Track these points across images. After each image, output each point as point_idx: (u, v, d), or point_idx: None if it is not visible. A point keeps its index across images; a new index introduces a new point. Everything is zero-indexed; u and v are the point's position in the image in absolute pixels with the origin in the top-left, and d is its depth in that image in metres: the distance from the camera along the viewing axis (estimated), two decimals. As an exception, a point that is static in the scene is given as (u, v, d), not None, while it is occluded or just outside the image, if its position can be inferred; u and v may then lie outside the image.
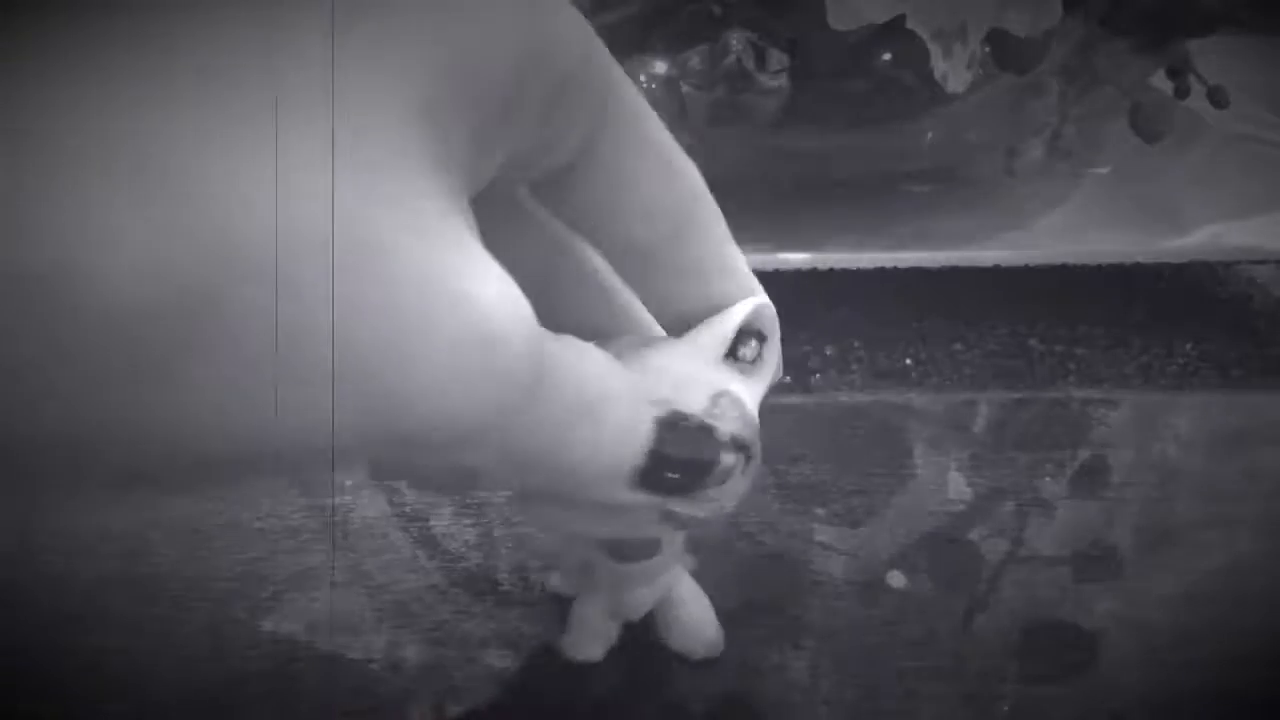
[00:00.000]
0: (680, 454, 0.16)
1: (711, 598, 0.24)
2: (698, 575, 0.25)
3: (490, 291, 0.12)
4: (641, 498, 0.16)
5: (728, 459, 0.17)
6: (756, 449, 0.18)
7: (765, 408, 0.18)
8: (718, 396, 0.18)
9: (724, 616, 0.24)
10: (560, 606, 0.23)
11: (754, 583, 0.25)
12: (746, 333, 0.19)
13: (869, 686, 0.22)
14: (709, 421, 0.17)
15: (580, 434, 0.15)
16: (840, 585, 0.25)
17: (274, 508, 0.28)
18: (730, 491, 0.18)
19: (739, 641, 0.23)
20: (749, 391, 0.18)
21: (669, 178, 0.17)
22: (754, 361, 0.19)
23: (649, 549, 0.20)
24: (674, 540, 0.21)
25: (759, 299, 0.19)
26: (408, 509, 0.28)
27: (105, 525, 0.27)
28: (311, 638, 0.23)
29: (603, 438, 0.15)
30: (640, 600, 0.22)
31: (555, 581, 0.24)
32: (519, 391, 0.13)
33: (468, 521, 0.27)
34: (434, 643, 0.23)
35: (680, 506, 0.18)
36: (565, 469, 0.15)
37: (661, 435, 0.16)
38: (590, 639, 0.22)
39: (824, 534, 0.26)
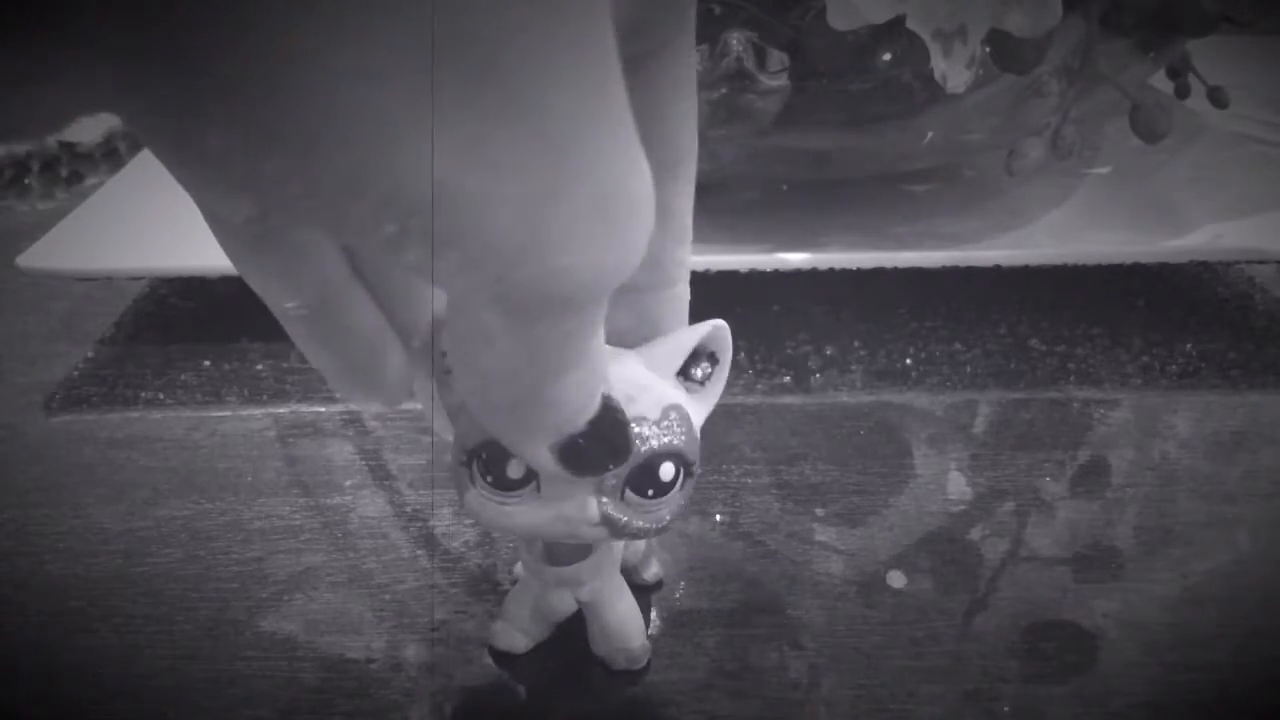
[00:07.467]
0: (603, 436, 0.16)
1: (712, 598, 0.24)
2: (697, 575, 0.25)
3: (643, 183, 0.13)
4: (552, 465, 0.16)
5: (668, 470, 0.18)
6: (697, 467, 0.18)
7: (765, 408, 0.18)
8: (668, 409, 0.18)
9: (724, 616, 0.24)
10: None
11: (754, 583, 0.25)
12: (701, 353, 0.19)
13: (869, 686, 0.22)
14: (631, 419, 0.17)
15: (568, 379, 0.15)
16: (840, 585, 0.25)
17: (274, 507, 0.28)
18: (670, 504, 0.18)
19: (739, 641, 0.23)
20: (695, 410, 0.19)
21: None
22: (703, 382, 0.19)
23: (579, 553, 0.20)
24: (609, 548, 0.21)
25: (718, 320, 0.19)
26: (408, 509, 0.28)
27: (105, 525, 0.27)
28: (311, 638, 0.23)
29: (571, 392, 0.15)
30: (562, 603, 0.22)
31: (518, 571, 0.24)
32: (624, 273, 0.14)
33: (468, 521, 0.27)
34: (434, 642, 0.23)
35: (619, 512, 0.18)
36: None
37: (602, 414, 0.16)
38: (514, 632, 0.22)
39: (824, 534, 0.26)
